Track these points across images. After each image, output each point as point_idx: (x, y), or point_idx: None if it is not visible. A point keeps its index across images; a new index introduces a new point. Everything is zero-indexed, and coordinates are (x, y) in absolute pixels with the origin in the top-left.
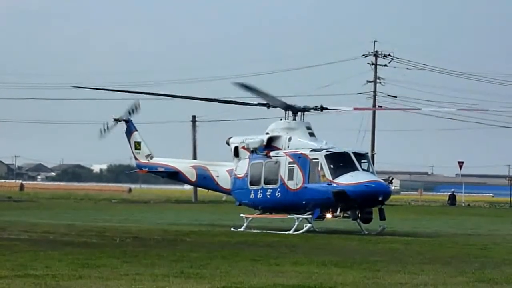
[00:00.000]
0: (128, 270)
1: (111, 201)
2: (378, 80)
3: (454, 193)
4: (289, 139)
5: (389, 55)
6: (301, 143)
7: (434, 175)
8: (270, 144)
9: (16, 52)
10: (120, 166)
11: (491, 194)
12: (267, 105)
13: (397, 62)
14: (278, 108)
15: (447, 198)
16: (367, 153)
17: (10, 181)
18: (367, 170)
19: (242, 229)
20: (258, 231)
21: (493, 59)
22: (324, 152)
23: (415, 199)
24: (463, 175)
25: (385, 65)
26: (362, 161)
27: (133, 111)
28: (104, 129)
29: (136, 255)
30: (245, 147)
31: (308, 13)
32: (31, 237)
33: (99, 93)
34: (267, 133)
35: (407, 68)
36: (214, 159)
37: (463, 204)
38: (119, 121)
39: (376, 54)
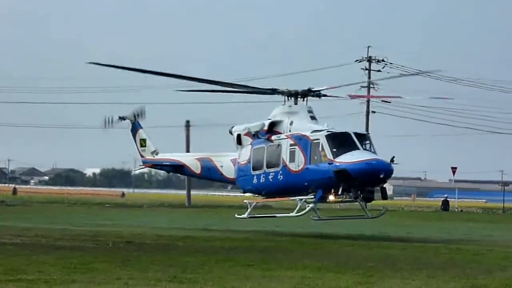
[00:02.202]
0: (121, 275)
1: (104, 205)
2: (371, 86)
3: (447, 199)
4: (291, 123)
5: (382, 60)
6: (302, 126)
7: (427, 180)
8: (273, 129)
9: (9, 55)
10: (113, 171)
11: (484, 200)
12: (271, 91)
13: (390, 67)
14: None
15: (440, 203)
16: (369, 134)
17: (3, 185)
18: (369, 150)
19: (245, 215)
20: (260, 215)
21: (486, 65)
22: (324, 133)
23: (408, 205)
24: (456, 181)
25: (379, 71)
26: (364, 141)
27: (138, 115)
28: (108, 121)
29: (129, 259)
30: (247, 132)
31: (302, 19)
32: (23, 242)
33: (92, 98)
34: (269, 119)
35: (401, 74)
36: None
37: (456, 210)
38: (124, 119)
39: (369, 60)
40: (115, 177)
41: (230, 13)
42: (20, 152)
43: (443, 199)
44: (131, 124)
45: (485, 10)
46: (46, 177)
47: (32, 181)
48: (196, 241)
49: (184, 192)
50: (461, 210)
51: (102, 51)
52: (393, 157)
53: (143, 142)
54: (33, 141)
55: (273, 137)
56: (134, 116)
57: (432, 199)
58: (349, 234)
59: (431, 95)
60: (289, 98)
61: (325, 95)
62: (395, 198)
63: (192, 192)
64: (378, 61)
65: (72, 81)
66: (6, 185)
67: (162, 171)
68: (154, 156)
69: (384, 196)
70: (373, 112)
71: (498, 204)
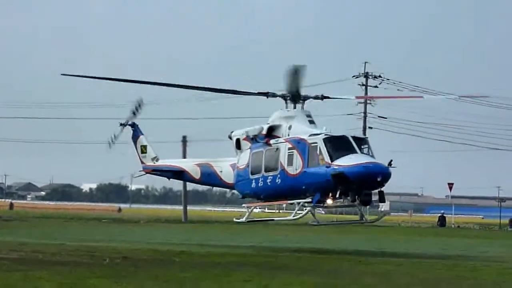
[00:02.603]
0: None
1: (101, 220)
2: (368, 101)
3: (444, 215)
4: (289, 127)
5: (379, 76)
6: (301, 130)
7: (424, 196)
8: (271, 134)
9: (6, 71)
10: (110, 186)
11: (481, 216)
12: (266, 95)
13: (387, 83)
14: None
15: (437, 219)
16: (367, 137)
17: (0, 200)
18: (367, 154)
19: (243, 219)
20: (259, 219)
21: (484, 81)
22: (322, 136)
23: (405, 220)
24: (453, 197)
25: (376, 86)
26: (362, 145)
27: (137, 110)
28: (112, 140)
29: (126, 275)
30: (246, 135)
31: (300, 35)
32: (20, 257)
33: (89, 113)
34: (268, 124)
35: (398, 90)
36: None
37: (453, 226)
38: (125, 125)
39: (366, 76)
40: (112, 192)
41: (230, 31)
42: (17, 167)
43: (439, 215)
44: (132, 131)
45: (482, 26)
46: (43, 192)
47: (29, 196)
48: (192, 256)
49: (181, 207)
50: (458, 226)
51: (98, 64)
52: (391, 160)
53: (143, 149)
54: (30, 156)
55: (272, 141)
56: (133, 112)
57: (429, 215)
58: (346, 249)
59: (426, 111)
60: (287, 102)
61: (327, 97)
62: (392, 214)
63: (189, 208)
64: (375, 77)
65: (69, 96)
66: (3, 200)
67: (158, 187)
68: (154, 162)
69: (382, 199)
70: (370, 127)
71: (495, 220)
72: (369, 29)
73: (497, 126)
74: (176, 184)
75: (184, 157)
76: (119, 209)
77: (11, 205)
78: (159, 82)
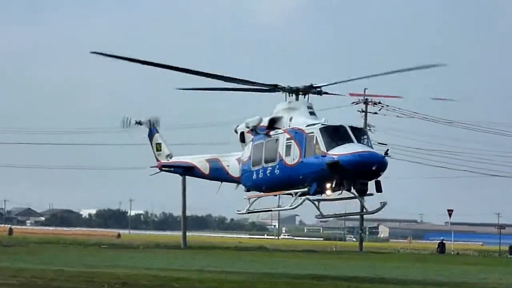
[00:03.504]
0: None
1: (100, 246)
2: (368, 128)
3: (444, 241)
4: (290, 119)
5: (379, 102)
6: (301, 121)
7: (423, 223)
8: (273, 125)
9: (5, 95)
10: (109, 211)
11: (480, 243)
12: (273, 87)
13: (387, 109)
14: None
15: (437, 246)
16: (365, 128)
17: None
18: (365, 145)
19: (243, 211)
20: (260, 210)
21: (483, 107)
22: (319, 126)
23: (404, 247)
24: (452, 223)
25: (375, 113)
26: (360, 136)
27: (153, 125)
28: (127, 122)
29: None
30: (246, 126)
31: (300, 58)
32: (19, 282)
33: (89, 139)
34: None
35: (397, 116)
36: (206, 206)
37: (452, 252)
38: (141, 124)
39: (366, 102)
40: (111, 218)
41: (230, 55)
42: (16, 193)
43: (439, 241)
44: (148, 129)
45: (483, 53)
46: (42, 218)
47: (28, 221)
48: (191, 282)
49: (180, 233)
50: (457, 253)
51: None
52: (387, 150)
53: (158, 147)
54: (29, 182)
55: (271, 132)
56: (150, 123)
57: (429, 241)
58: (345, 275)
59: (427, 137)
60: (290, 94)
61: (326, 93)
62: (391, 240)
63: (188, 234)
64: (375, 103)
65: (68, 122)
66: (2, 225)
67: (156, 213)
68: (168, 160)
69: (379, 189)
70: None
71: (494, 247)
72: (369, 55)
73: (497, 153)
74: (176, 209)
75: (184, 184)
76: (118, 235)
77: (11, 230)
78: (182, 68)
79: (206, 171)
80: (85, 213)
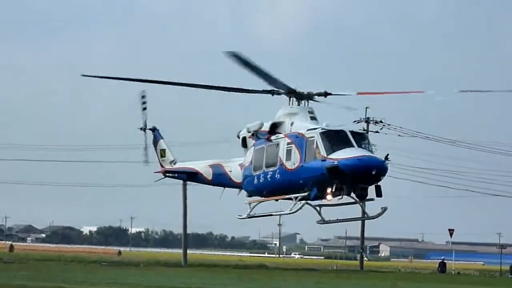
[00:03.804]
0: None
1: (101, 263)
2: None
3: (445, 261)
4: (292, 124)
5: (380, 121)
6: (302, 126)
7: (424, 242)
8: (275, 130)
9: (6, 112)
10: (110, 229)
11: (481, 262)
12: (271, 92)
13: (388, 128)
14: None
15: (437, 265)
16: (366, 133)
17: (0, 242)
18: (366, 149)
19: (244, 216)
20: (260, 215)
21: (485, 127)
22: (319, 130)
23: (405, 266)
24: (453, 243)
25: (377, 132)
26: (361, 140)
27: (144, 103)
28: (145, 156)
29: None
30: (247, 131)
31: (301, 78)
32: None
33: (89, 156)
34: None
35: (399, 135)
36: (206, 224)
37: (453, 272)
38: (145, 129)
39: (367, 120)
40: (112, 235)
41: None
42: (17, 209)
43: (440, 261)
44: (152, 135)
45: (483, 75)
46: (43, 235)
47: (29, 238)
48: None
49: (181, 251)
50: (458, 273)
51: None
52: (387, 154)
53: (163, 153)
54: (30, 198)
55: (272, 137)
56: (144, 108)
57: (430, 260)
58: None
59: (429, 156)
60: (291, 98)
61: (330, 94)
62: (392, 259)
63: (189, 251)
64: (376, 122)
65: (70, 139)
66: (3, 242)
67: (157, 230)
68: (172, 166)
69: (379, 194)
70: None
71: (495, 267)
72: (371, 74)
73: (498, 173)
74: (177, 227)
75: (185, 201)
76: (119, 252)
77: (11, 247)
78: (173, 82)
79: (209, 177)
80: (86, 230)
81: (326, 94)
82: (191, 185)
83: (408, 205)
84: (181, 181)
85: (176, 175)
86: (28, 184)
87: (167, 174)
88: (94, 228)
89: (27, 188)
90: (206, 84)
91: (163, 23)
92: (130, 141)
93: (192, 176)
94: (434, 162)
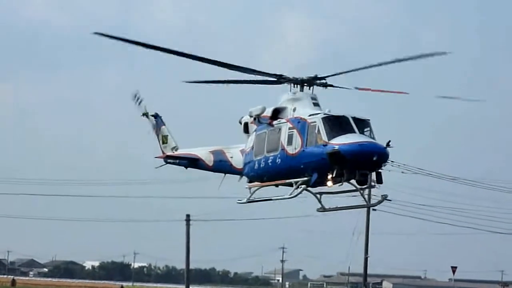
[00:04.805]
0: None
1: None
2: (372, 183)
3: None
4: (294, 110)
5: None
6: (305, 112)
7: (427, 279)
8: (277, 116)
9: (8, 147)
10: (112, 263)
11: None
12: (278, 76)
13: (392, 165)
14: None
15: None
16: (369, 120)
17: (2, 276)
18: (367, 136)
19: (244, 200)
20: (260, 200)
21: (489, 164)
22: (321, 115)
23: None
24: (456, 280)
25: (381, 196)
26: (363, 127)
27: (138, 99)
28: (137, 100)
29: None
30: (249, 115)
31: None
32: None
33: (91, 191)
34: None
35: (402, 172)
36: (209, 260)
37: None
38: (147, 115)
39: (370, 186)
40: (114, 270)
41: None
42: (20, 244)
43: None
44: (154, 121)
45: (484, 113)
46: (46, 269)
47: (32, 272)
48: None
49: (183, 286)
50: None
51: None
52: (389, 141)
53: (164, 139)
54: (33, 233)
55: (274, 122)
56: (156, 115)
57: None
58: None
59: (432, 194)
60: (295, 86)
61: (331, 85)
62: None
63: (191, 287)
64: (371, 186)
65: (73, 173)
66: (5, 276)
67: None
68: (173, 152)
69: (379, 180)
70: (374, 209)
71: None
72: (374, 112)
73: (501, 210)
74: (179, 262)
75: (188, 237)
76: (121, 287)
77: (13, 281)
78: (183, 52)
79: (210, 163)
80: (88, 265)
81: (327, 85)
82: (194, 223)
83: (411, 242)
84: (184, 221)
85: (178, 161)
86: (30, 218)
87: (168, 161)
88: (96, 263)
89: (30, 222)
90: (212, 59)
91: None
92: (134, 177)
93: (193, 162)
94: (437, 199)
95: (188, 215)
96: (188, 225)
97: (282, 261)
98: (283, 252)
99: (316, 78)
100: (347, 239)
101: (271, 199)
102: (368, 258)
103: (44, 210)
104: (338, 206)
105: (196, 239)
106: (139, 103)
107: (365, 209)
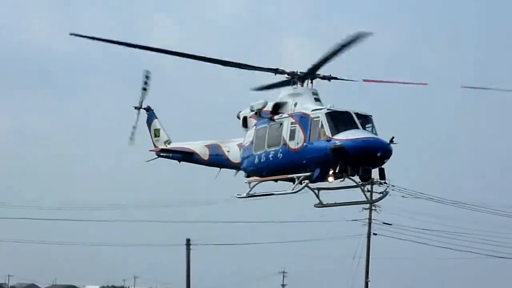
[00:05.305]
0: None
1: None
2: (373, 208)
3: None
4: (295, 105)
5: (385, 182)
6: (306, 107)
7: None
8: (278, 111)
9: (6, 170)
10: None
11: None
12: (275, 71)
13: (392, 189)
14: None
15: None
16: (371, 116)
17: None
18: (370, 132)
19: (243, 195)
20: (260, 194)
21: (489, 189)
22: (324, 111)
23: None
24: None
25: (381, 193)
26: (365, 123)
27: (146, 83)
28: (132, 134)
29: None
30: (250, 109)
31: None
32: None
33: (92, 215)
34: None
35: (403, 196)
36: (211, 284)
37: None
38: (140, 108)
39: (372, 181)
40: None
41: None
42: (20, 267)
43: None
44: (146, 115)
45: (484, 131)
46: None
47: None
48: None
49: None
50: None
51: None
52: (393, 137)
53: (157, 132)
54: (33, 257)
55: (276, 117)
56: (144, 88)
57: None
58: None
59: (432, 218)
60: (295, 81)
61: (335, 78)
62: None
63: None
64: (381, 183)
65: (73, 198)
66: None
67: None
68: (166, 146)
69: (382, 176)
70: (375, 234)
71: None
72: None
73: (503, 235)
74: (180, 286)
75: (188, 261)
76: None
77: None
78: (171, 51)
79: (206, 157)
80: None
81: (330, 77)
82: (194, 247)
83: (412, 266)
84: (184, 244)
85: (171, 155)
86: (31, 242)
87: (162, 154)
88: (97, 287)
89: (30, 246)
90: (209, 57)
91: None
92: (133, 198)
93: (187, 156)
94: (439, 223)
95: (188, 239)
96: (188, 249)
97: (283, 285)
98: (283, 276)
99: (314, 70)
100: (348, 263)
101: (272, 194)
102: (369, 283)
103: (44, 235)
104: (337, 202)
105: (197, 263)
106: (145, 88)
107: (366, 235)
